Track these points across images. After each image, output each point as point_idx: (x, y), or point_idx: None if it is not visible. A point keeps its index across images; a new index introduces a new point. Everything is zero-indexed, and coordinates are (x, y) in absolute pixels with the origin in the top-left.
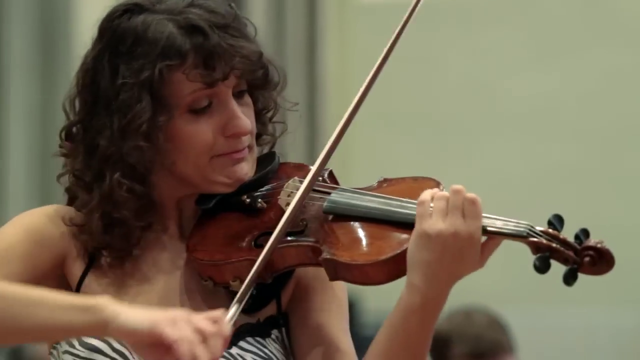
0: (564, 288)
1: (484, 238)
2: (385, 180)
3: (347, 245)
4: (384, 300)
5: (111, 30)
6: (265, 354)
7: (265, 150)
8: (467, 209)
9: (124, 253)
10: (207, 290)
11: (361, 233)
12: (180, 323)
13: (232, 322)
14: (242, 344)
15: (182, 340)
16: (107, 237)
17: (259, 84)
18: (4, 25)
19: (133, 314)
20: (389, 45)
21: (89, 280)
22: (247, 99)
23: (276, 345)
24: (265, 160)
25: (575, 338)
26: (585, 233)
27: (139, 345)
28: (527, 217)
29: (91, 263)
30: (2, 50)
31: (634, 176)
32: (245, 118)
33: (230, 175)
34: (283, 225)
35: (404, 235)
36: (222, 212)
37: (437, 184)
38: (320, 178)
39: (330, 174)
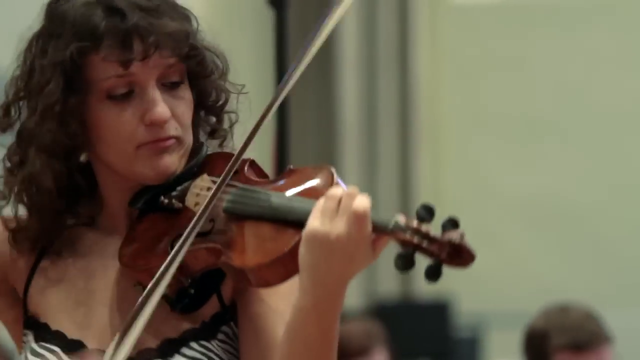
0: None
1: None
2: (290, 170)
3: (241, 248)
4: (477, 302)
5: (47, 13)
6: (210, 358)
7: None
8: (354, 219)
9: (55, 245)
10: (139, 294)
11: (255, 234)
12: None
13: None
14: (184, 350)
15: None
16: (33, 220)
17: (193, 69)
18: None
19: None
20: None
21: (33, 291)
22: (182, 91)
23: (225, 346)
24: (194, 153)
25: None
26: (452, 223)
27: None
28: (626, 221)
29: (33, 272)
30: None
31: None
32: (164, 105)
33: (153, 166)
34: (191, 228)
35: (292, 235)
36: (150, 213)
37: (330, 175)
38: (237, 171)
39: (252, 163)
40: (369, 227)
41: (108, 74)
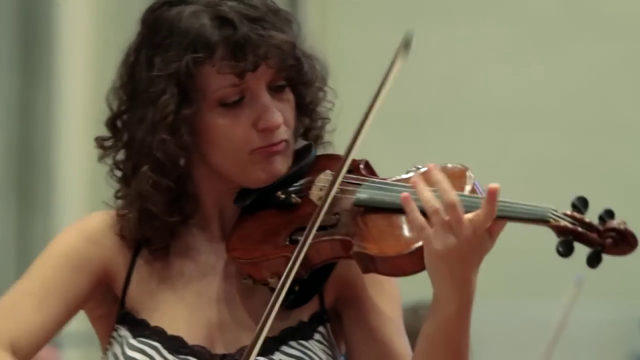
0: (538, 283)
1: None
2: (417, 169)
3: (376, 238)
4: None
5: (149, 22)
6: (309, 356)
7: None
8: (473, 218)
9: (160, 246)
10: (247, 288)
11: (390, 225)
12: None
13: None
14: (284, 348)
15: None
16: (142, 230)
17: (294, 77)
18: None
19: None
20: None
21: (132, 287)
22: (287, 94)
23: (320, 346)
24: (301, 153)
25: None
26: (609, 214)
27: None
28: None
29: (131, 270)
30: None
31: (617, 169)
32: (276, 112)
33: (265, 169)
34: (313, 221)
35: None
36: (259, 209)
37: (465, 170)
38: (353, 169)
39: (367, 164)
40: (485, 225)
41: (221, 84)
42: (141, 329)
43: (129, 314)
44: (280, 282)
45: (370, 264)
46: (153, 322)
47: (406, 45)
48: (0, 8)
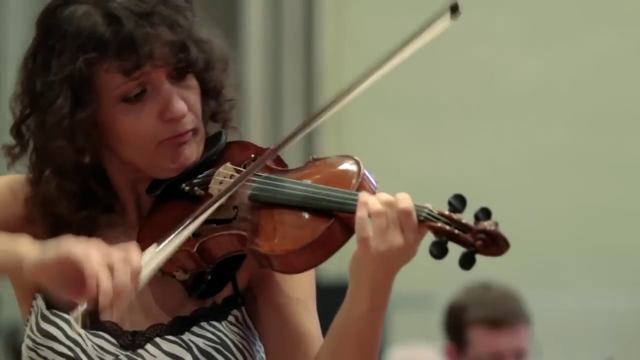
0: (560, 271)
1: None
2: (315, 160)
3: (268, 235)
4: None
5: (43, 25)
6: (219, 337)
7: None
8: (404, 221)
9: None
10: (158, 279)
11: (282, 221)
12: (87, 246)
13: (147, 264)
14: (195, 329)
15: (89, 259)
16: (55, 232)
17: (187, 67)
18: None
19: (43, 248)
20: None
21: None
22: (189, 80)
23: (233, 328)
24: (212, 141)
25: (572, 322)
26: (485, 213)
27: (53, 280)
28: (521, 199)
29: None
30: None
31: (630, 159)
32: (179, 101)
33: (174, 159)
34: (196, 214)
35: (317, 223)
36: (169, 199)
37: (356, 163)
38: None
39: (277, 157)
40: (417, 229)
41: (120, 81)
42: (55, 302)
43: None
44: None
45: (264, 260)
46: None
47: (453, 10)
48: (17, 8)
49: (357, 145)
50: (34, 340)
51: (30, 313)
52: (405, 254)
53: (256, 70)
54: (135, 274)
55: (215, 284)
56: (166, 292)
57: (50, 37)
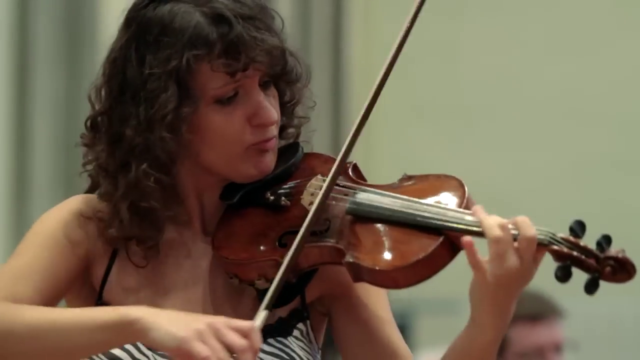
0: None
1: None
2: (409, 177)
3: (369, 249)
4: (408, 289)
5: (138, 20)
6: (287, 354)
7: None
8: (524, 247)
9: (154, 243)
10: (232, 286)
11: (384, 236)
12: (209, 338)
13: (260, 330)
14: (262, 346)
15: (211, 358)
16: (136, 227)
17: (282, 76)
18: (30, 17)
19: (162, 329)
20: (401, 35)
21: (112, 279)
22: (273, 90)
23: (299, 343)
24: (287, 152)
25: (600, 327)
26: (607, 240)
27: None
28: (559, 207)
29: (112, 262)
30: (27, 41)
31: None
32: (271, 108)
33: (257, 165)
34: (306, 228)
35: (427, 240)
36: (246, 207)
37: (460, 185)
38: (343, 173)
39: (355, 167)
40: (535, 253)
41: (219, 83)
42: None
43: (107, 304)
44: (272, 288)
45: (364, 275)
46: None
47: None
48: (46, 3)
49: (384, 151)
50: None
51: None
52: (523, 276)
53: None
54: (256, 354)
55: (285, 297)
56: (242, 309)
57: (147, 32)
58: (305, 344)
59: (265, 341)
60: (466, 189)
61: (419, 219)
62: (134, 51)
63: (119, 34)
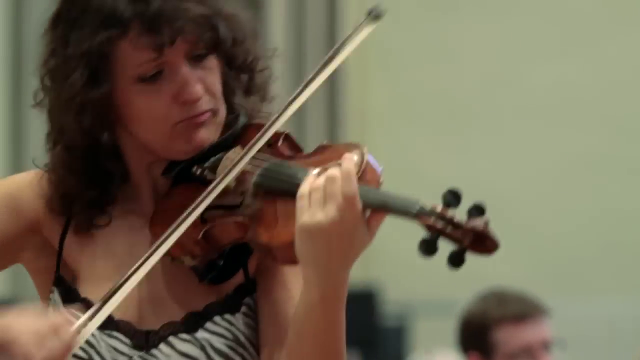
0: (587, 278)
1: (368, 212)
2: (323, 147)
3: (269, 224)
4: (404, 290)
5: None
6: (233, 334)
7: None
8: (340, 203)
9: (84, 221)
10: (168, 267)
11: (283, 211)
12: (16, 327)
13: (80, 331)
14: (209, 325)
15: (18, 341)
16: (65, 205)
17: (214, 45)
18: (24, 14)
19: None
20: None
21: (66, 251)
22: (209, 61)
23: (247, 320)
24: (230, 123)
25: (598, 328)
26: (478, 209)
27: None
28: (556, 208)
29: (65, 233)
30: (22, 39)
31: None
32: (196, 84)
33: (189, 140)
34: (198, 203)
35: None
36: (182, 183)
37: (360, 152)
38: (272, 143)
39: (287, 137)
40: (359, 206)
41: (139, 60)
42: (72, 298)
43: (63, 277)
44: (152, 247)
45: (264, 251)
46: (83, 293)
47: (375, 16)
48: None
49: (381, 151)
50: None
51: (48, 304)
52: (345, 235)
53: (279, 77)
54: (66, 349)
55: (228, 270)
56: (178, 282)
57: (71, 9)
58: (252, 320)
59: (211, 320)
60: (365, 155)
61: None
62: (60, 29)
63: (54, 9)
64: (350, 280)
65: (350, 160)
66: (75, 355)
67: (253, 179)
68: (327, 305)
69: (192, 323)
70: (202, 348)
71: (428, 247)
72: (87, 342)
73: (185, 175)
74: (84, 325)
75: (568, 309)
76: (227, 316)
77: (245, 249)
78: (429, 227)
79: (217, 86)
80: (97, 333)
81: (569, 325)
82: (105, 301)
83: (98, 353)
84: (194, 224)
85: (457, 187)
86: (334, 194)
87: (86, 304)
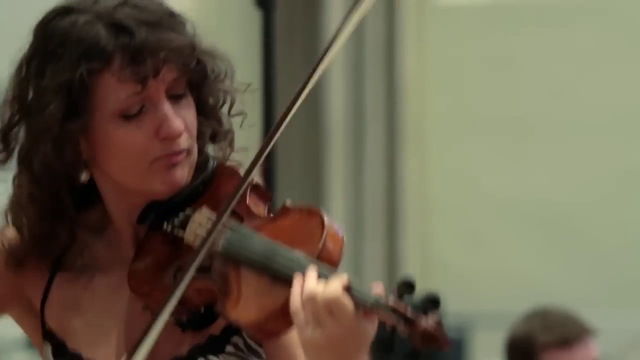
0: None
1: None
2: (285, 209)
3: (234, 298)
4: (464, 302)
5: (42, 33)
6: None
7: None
8: (334, 308)
9: (45, 262)
10: (147, 318)
11: (247, 284)
12: None
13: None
14: None
15: None
16: (29, 243)
17: (198, 78)
18: None
19: None
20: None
21: (50, 305)
22: (187, 101)
23: (233, 358)
24: (201, 167)
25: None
26: (432, 303)
27: None
28: (613, 217)
29: (48, 287)
30: None
31: None
32: (177, 119)
33: (165, 180)
34: (189, 270)
35: (281, 292)
36: (155, 235)
37: (321, 220)
38: (241, 200)
39: (255, 188)
40: (349, 312)
41: (123, 94)
42: (60, 352)
43: (51, 332)
44: (149, 325)
45: (235, 325)
46: (70, 345)
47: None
48: None
49: (439, 165)
50: None
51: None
52: (350, 339)
53: (338, 92)
54: None
55: (210, 316)
56: (161, 334)
57: (48, 44)
58: (241, 358)
59: None
60: (325, 224)
61: (270, 265)
62: (35, 64)
63: (27, 48)
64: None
65: (336, 284)
66: None
67: (221, 242)
68: None
69: None
70: None
71: (384, 345)
72: None
73: (160, 223)
74: None
75: (626, 321)
76: (211, 357)
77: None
78: (384, 322)
79: (194, 125)
80: None
81: (627, 338)
82: None
83: None
84: (167, 283)
85: (410, 276)
86: (322, 310)
87: (75, 357)
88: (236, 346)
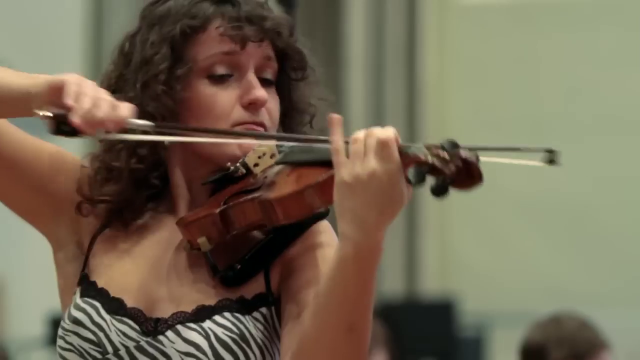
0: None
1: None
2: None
3: (279, 187)
4: (482, 301)
5: (147, 13)
6: (239, 329)
7: None
8: (384, 150)
9: (132, 214)
10: (195, 260)
11: (298, 174)
12: (85, 89)
13: (134, 121)
14: (217, 318)
15: (74, 86)
16: (123, 191)
17: (286, 57)
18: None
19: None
20: None
21: (96, 250)
22: (273, 91)
23: (257, 324)
24: None
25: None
26: (452, 145)
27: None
28: (634, 217)
29: (102, 230)
30: None
31: None
32: (261, 89)
33: (242, 145)
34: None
35: (322, 171)
36: (220, 190)
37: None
38: None
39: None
40: (396, 159)
41: (214, 52)
42: (89, 290)
43: (87, 275)
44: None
45: (269, 210)
46: (100, 284)
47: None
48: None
49: None
50: (64, 328)
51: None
52: (383, 187)
53: (358, 87)
54: (117, 121)
55: (243, 276)
56: (195, 277)
57: (153, 18)
58: (265, 328)
59: (221, 314)
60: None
61: (320, 155)
62: (139, 37)
63: (131, 29)
64: (428, 291)
65: (392, 130)
66: (86, 338)
67: (277, 159)
68: (360, 261)
69: (201, 315)
70: (207, 337)
71: (417, 177)
72: (98, 325)
73: (223, 184)
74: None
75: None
76: (237, 315)
77: (264, 258)
78: (421, 163)
79: (276, 113)
80: (108, 318)
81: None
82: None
83: (107, 336)
84: (213, 204)
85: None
86: (371, 147)
87: (102, 293)
88: (264, 316)
